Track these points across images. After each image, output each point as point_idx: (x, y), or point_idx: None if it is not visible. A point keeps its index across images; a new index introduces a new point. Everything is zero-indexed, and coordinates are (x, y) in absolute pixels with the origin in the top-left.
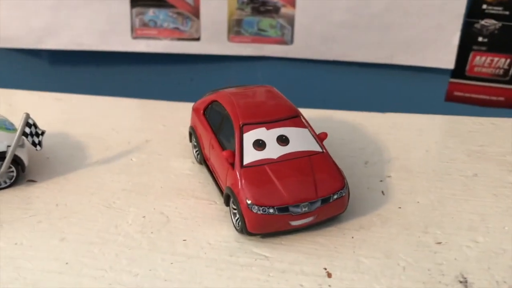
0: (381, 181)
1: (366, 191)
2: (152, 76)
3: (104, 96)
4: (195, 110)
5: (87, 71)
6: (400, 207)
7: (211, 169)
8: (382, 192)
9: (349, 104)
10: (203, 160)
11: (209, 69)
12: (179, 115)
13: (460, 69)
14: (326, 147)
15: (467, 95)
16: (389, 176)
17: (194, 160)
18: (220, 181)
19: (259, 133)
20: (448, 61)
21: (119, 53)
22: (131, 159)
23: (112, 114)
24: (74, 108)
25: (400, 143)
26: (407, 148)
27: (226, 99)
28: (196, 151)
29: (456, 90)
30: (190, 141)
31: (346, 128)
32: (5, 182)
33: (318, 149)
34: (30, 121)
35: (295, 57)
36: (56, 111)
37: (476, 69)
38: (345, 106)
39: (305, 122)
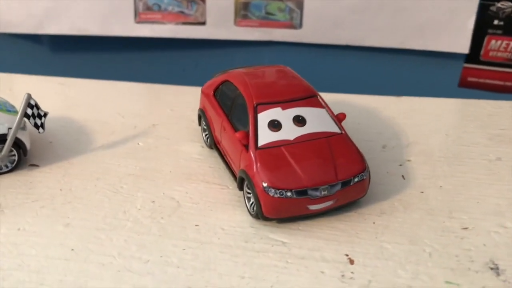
0: (400, 165)
1: (385, 176)
2: (156, 62)
3: (108, 81)
4: (204, 91)
5: (90, 56)
6: (422, 192)
7: (222, 152)
8: (403, 176)
9: (361, 89)
10: (213, 144)
11: (215, 55)
12: (186, 99)
13: (474, 53)
14: (344, 128)
15: (482, 80)
16: (408, 160)
17: (204, 144)
18: (233, 165)
19: (274, 113)
20: (462, 46)
21: (123, 38)
22: (138, 144)
23: (116, 98)
24: (78, 92)
25: (418, 127)
26: (426, 133)
27: (238, 79)
28: (206, 135)
29: (470, 76)
30: (200, 124)
31: (361, 112)
32: (7, 166)
33: (337, 130)
34: (32, 102)
35: (304, 42)
36: (59, 96)
37: (491, 53)
38: (357, 90)
39: (322, 102)
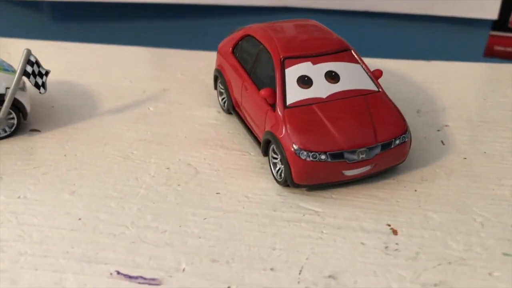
0: (438, 130)
1: (423, 141)
2: (163, 29)
3: (111, 45)
4: (221, 50)
5: (92, 23)
6: (465, 158)
7: (242, 116)
8: (442, 142)
9: (384, 54)
10: (231, 107)
11: (225, 22)
12: (197, 63)
13: (502, 20)
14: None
15: (509, 49)
16: (446, 125)
17: (220, 109)
18: (257, 128)
19: (304, 68)
20: (491, 11)
21: (128, 4)
22: (148, 108)
23: (122, 62)
24: (81, 57)
25: (452, 91)
26: (461, 97)
27: (261, 32)
28: (223, 99)
29: (496, 44)
30: (215, 88)
31: (391, 77)
32: (5, 131)
33: (374, 87)
34: (32, 59)
35: (322, 8)
36: (61, 60)
37: None
38: (381, 55)
39: (357, 57)
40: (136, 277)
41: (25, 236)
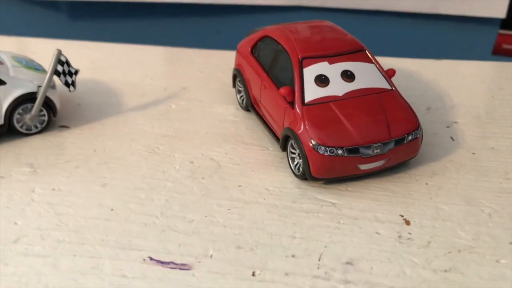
0: (448, 127)
1: (433, 137)
2: (178, 29)
3: (130, 44)
4: (240, 50)
5: (111, 21)
6: (473, 153)
7: (261, 113)
8: (451, 138)
9: (393, 53)
10: (250, 105)
11: (238, 22)
12: (214, 62)
13: (510, 18)
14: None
15: None
16: (455, 122)
17: (239, 106)
18: (275, 124)
19: (321, 67)
20: (499, 9)
21: (143, 3)
22: (170, 106)
23: (143, 61)
24: (102, 55)
25: (461, 89)
26: (470, 95)
27: (279, 33)
28: (241, 96)
29: (505, 43)
30: (234, 86)
31: (401, 75)
32: (36, 127)
33: (387, 86)
34: (62, 59)
35: (335, 7)
36: (83, 59)
37: None
38: (390, 54)
39: (371, 57)
40: (168, 263)
41: (62, 225)
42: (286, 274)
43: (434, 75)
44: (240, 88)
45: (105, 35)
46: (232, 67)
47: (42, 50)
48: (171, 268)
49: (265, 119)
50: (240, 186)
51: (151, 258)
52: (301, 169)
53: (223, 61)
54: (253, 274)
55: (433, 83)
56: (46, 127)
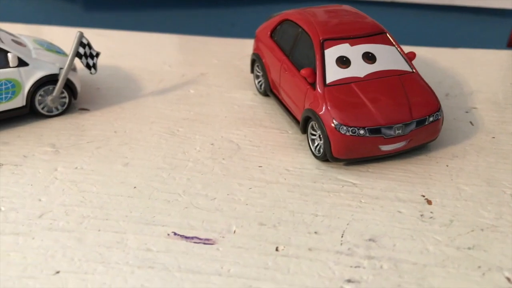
0: (467, 112)
1: (453, 122)
2: (191, 21)
3: (145, 32)
4: (259, 35)
5: (125, 10)
6: (493, 137)
7: (280, 97)
8: (471, 122)
9: (413, 41)
10: (268, 89)
11: (252, 14)
12: (230, 50)
13: None
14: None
15: None
16: (474, 108)
17: (256, 92)
18: (295, 107)
19: (342, 49)
20: None
21: None
22: (189, 91)
23: (159, 49)
24: (118, 43)
25: (479, 77)
26: (488, 82)
27: (299, 16)
28: (259, 82)
29: None
30: (252, 71)
31: (419, 63)
32: (57, 109)
33: (408, 68)
34: (84, 41)
35: None
36: (99, 46)
37: None
38: (410, 43)
39: (392, 40)
40: (192, 238)
41: (86, 202)
42: (310, 249)
43: (451, 63)
44: (258, 73)
45: (120, 24)
46: (249, 54)
47: (58, 38)
48: (195, 242)
49: (284, 102)
50: (261, 166)
51: (175, 233)
52: (321, 150)
53: (239, 49)
54: (277, 249)
55: (450, 71)
56: (67, 109)
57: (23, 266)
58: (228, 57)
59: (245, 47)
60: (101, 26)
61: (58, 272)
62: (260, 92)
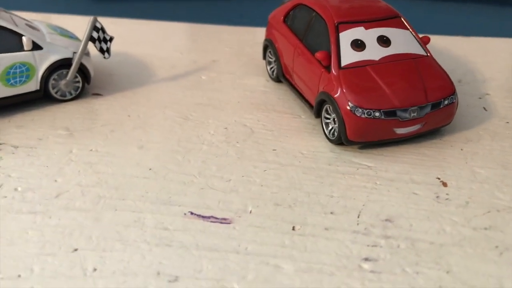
0: (480, 98)
1: (466, 108)
2: (202, 10)
3: (157, 21)
4: (272, 20)
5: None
6: (507, 122)
7: (292, 83)
8: (484, 108)
9: (425, 30)
10: (281, 75)
11: (261, 4)
12: (241, 37)
13: None
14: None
15: None
16: (487, 94)
17: (269, 78)
18: (309, 91)
19: (357, 32)
20: None
21: None
22: (201, 77)
23: (170, 37)
24: (129, 31)
25: (492, 64)
26: (501, 70)
27: (313, 1)
28: (271, 68)
29: None
30: (264, 57)
31: (431, 50)
32: (70, 94)
33: (422, 52)
34: (98, 25)
35: None
36: (111, 33)
37: None
38: (422, 31)
39: (406, 24)
40: (209, 217)
41: (101, 183)
42: (326, 229)
43: (464, 51)
44: (270, 59)
45: (131, 12)
46: (260, 42)
47: (68, 27)
48: (212, 222)
49: (297, 87)
50: (275, 150)
51: (191, 213)
52: (335, 134)
53: (250, 36)
54: (293, 228)
55: (463, 59)
56: (80, 94)
57: (42, 243)
58: (240, 44)
59: (257, 34)
60: (112, 14)
61: (76, 250)
62: (272, 79)
